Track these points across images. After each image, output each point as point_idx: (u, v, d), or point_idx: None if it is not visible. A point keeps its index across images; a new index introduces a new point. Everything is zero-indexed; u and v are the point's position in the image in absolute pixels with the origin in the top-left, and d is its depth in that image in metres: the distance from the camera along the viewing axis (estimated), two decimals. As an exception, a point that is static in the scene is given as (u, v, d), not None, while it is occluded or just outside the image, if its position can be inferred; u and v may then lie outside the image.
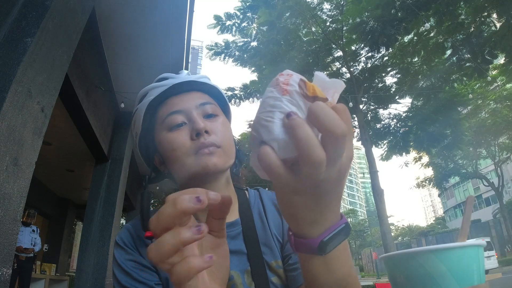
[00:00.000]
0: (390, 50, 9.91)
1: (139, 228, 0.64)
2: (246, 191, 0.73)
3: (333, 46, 10.54)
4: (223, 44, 10.89)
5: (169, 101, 0.64)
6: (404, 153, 11.78)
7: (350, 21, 9.40)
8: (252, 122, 0.37)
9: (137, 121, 0.67)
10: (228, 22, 10.60)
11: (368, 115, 11.79)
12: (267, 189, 0.77)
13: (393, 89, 11.21)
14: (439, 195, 38.00)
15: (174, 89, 0.64)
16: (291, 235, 0.36)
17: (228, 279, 0.56)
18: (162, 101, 0.64)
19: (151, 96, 0.64)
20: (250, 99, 11.69)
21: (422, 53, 9.81)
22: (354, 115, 11.15)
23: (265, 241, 0.64)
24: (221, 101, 0.70)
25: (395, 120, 11.81)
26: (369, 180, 10.40)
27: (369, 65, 11.05)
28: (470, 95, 10.48)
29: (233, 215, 0.66)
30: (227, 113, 0.71)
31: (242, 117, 15.51)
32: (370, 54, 10.48)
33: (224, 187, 0.65)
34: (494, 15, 7.94)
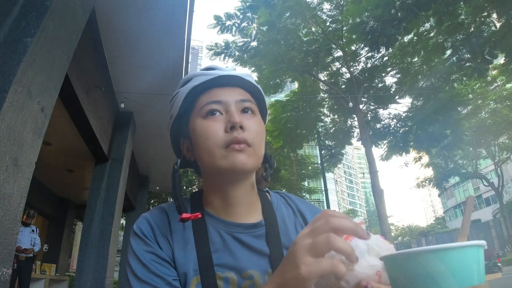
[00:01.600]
0: (390, 50, 9.91)
1: (159, 219, 0.63)
2: (268, 194, 0.73)
3: (333, 46, 10.54)
4: (223, 44, 10.89)
5: (212, 90, 0.64)
6: (404, 153, 11.78)
7: (350, 21, 9.40)
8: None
9: (176, 104, 0.66)
10: (228, 22, 10.60)
11: (368, 115, 11.80)
12: (283, 190, 0.78)
13: (393, 89, 11.21)
14: (439, 195, 37.98)
15: (219, 81, 0.64)
16: None
17: (248, 278, 0.59)
18: (205, 89, 0.64)
19: (195, 82, 0.64)
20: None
21: (422, 53, 9.81)
22: (354, 115, 11.16)
23: (287, 245, 0.63)
24: (260, 103, 0.69)
25: (395, 120, 11.81)
26: (369, 180, 10.40)
27: (369, 65, 11.05)
28: (470, 95, 10.49)
29: (257, 216, 0.66)
30: (264, 116, 0.71)
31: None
32: (370, 54, 10.48)
33: (249, 188, 0.65)
34: (494, 15, 7.94)
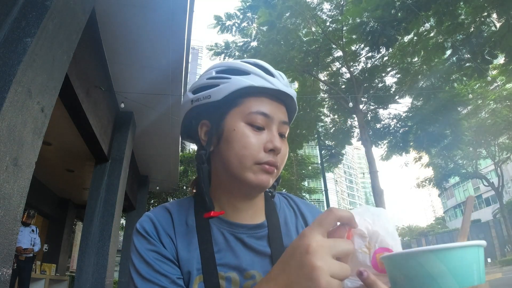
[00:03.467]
0: (390, 50, 9.91)
1: (162, 218, 0.63)
2: (271, 194, 0.73)
3: (333, 46, 10.54)
4: (223, 44, 10.88)
5: (265, 99, 0.62)
6: (404, 153, 11.77)
7: (350, 21, 9.40)
8: None
9: (221, 90, 0.61)
10: (228, 22, 10.59)
11: (368, 115, 11.79)
12: (284, 190, 0.79)
13: (393, 89, 11.21)
14: (439, 195, 37.98)
15: (274, 92, 0.62)
16: None
17: (250, 278, 0.60)
18: (258, 94, 0.62)
19: (253, 80, 0.61)
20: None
21: (422, 53, 9.80)
22: (354, 115, 11.15)
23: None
24: (290, 117, 0.69)
25: (395, 120, 11.80)
26: (369, 180, 10.40)
27: (369, 65, 11.04)
28: (470, 95, 10.48)
29: (260, 217, 0.67)
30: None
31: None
32: (370, 54, 10.47)
33: (256, 196, 0.67)
34: (494, 15, 7.94)
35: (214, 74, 0.64)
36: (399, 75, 10.96)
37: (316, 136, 12.44)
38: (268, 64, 0.65)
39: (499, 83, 11.28)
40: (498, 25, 7.91)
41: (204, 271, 0.58)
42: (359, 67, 11.20)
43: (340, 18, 9.80)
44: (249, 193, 0.64)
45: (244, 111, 0.60)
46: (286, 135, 0.65)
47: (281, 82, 0.63)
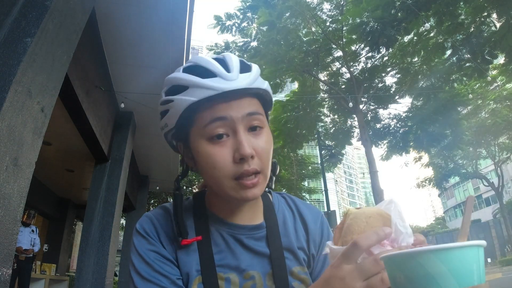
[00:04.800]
0: (390, 50, 9.91)
1: (162, 219, 0.63)
2: (269, 194, 0.73)
3: (333, 46, 10.54)
4: (223, 44, 10.88)
5: (215, 104, 0.55)
6: (404, 153, 11.78)
7: (350, 21, 9.40)
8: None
9: (171, 116, 0.58)
10: (228, 22, 10.60)
11: (368, 115, 11.79)
12: (284, 190, 0.77)
13: (393, 89, 11.21)
14: (439, 195, 38.00)
15: (224, 95, 0.55)
16: None
17: (249, 278, 0.60)
18: (207, 102, 0.55)
19: (193, 96, 0.54)
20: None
21: (422, 53, 9.81)
22: (354, 115, 11.15)
23: (288, 247, 0.65)
24: (268, 105, 0.63)
25: (395, 120, 11.81)
26: (369, 180, 10.40)
27: (369, 65, 11.05)
28: (470, 95, 10.49)
29: (258, 218, 0.66)
30: (268, 113, 0.65)
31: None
32: (370, 54, 10.48)
33: None
34: (494, 15, 7.94)
35: (163, 96, 0.60)
36: (399, 75, 10.97)
37: (316, 136, 12.44)
38: (210, 59, 0.57)
39: (499, 83, 11.28)
40: (498, 25, 7.91)
41: (203, 272, 0.58)
42: (359, 67, 11.21)
43: (340, 18, 9.81)
44: (242, 203, 0.63)
45: (200, 127, 0.55)
46: (264, 124, 0.59)
47: (224, 78, 0.54)
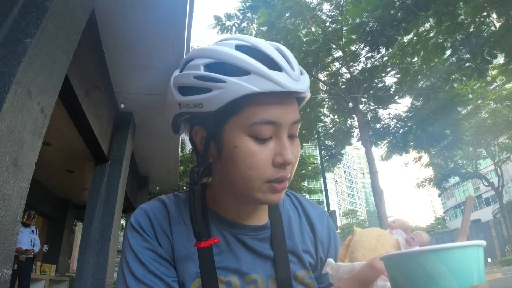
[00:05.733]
0: (390, 50, 9.92)
1: (158, 213, 0.58)
2: None
3: (333, 46, 10.55)
4: (223, 44, 10.88)
5: (271, 102, 0.50)
6: (404, 153, 11.78)
7: (350, 21, 9.41)
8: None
9: (215, 99, 0.49)
10: (228, 23, 10.60)
11: (368, 115, 11.80)
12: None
13: (393, 89, 11.22)
14: (439, 195, 38.00)
15: (283, 95, 0.50)
16: None
17: (252, 282, 0.57)
18: (263, 96, 0.49)
19: (255, 85, 0.47)
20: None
21: (422, 53, 9.81)
22: (354, 115, 11.15)
23: (292, 249, 0.61)
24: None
25: (394, 120, 11.81)
26: (369, 180, 10.40)
27: (368, 65, 11.05)
28: (470, 95, 10.49)
29: (263, 218, 0.62)
30: None
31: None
32: (369, 54, 10.48)
33: None
34: (494, 15, 7.95)
35: (202, 71, 0.50)
36: (399, 75, 10.97)
37: (316, 136, 12.44)
38: (272, 48, 0.51)
39: (499, 83, 11.28)
40: (497, 25, 7.91)
41: (202, 274, 0.54)
42: (359, 67, 11.21)
43: (340, 18, 9.81)
44: (257, 205, 0.60)
45: (246, 121, 0.50)
46: (297, 132, 0.56)
47: (290, 76, 0.49)
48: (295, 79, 0.49)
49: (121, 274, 0.54)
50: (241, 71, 0.48)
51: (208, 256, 0.56)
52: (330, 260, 0.45)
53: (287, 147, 0.51)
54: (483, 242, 0.34)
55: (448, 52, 9.59)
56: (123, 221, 10.15)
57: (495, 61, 9.18)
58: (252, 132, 0.50)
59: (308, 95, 0.54)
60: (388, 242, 0.44)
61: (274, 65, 0.49)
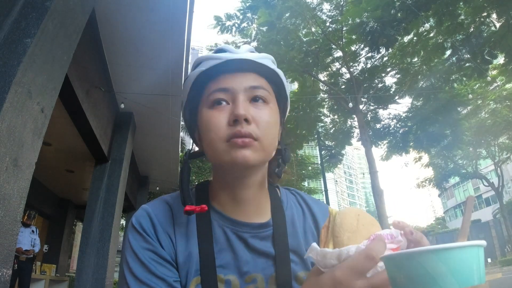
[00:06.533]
0: (390, 50, 9.92)
1: (160, 214, 0.58)
2: (277, 189, 0.67)
3: (333, 46, 10.55)
4: (223, 44, 10.89)
5: (220, 77, 0.57)
6: (404, 153, 11.79)
7: (350, 21, 9.41)
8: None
9: (185, 90, 0.62)
10: (228, 23, 10.60)
11: (368, 115, 11.80)
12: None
13: (393, 90, 11.22)
14: (439, 195, 37.99)
15: (228, 66, 0.57)
16: None
17: (251, 282, 0.56)
18: (213, 75, 0.58)
19: (203, 67, 0.58)
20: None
21: (422, 53, 9.82)
22: (354, 116, 11.15)
23: (295, 248, 0.60)
24: (279, 89, 0.62)
25: (394, 121, 11.82)
26: (369, 180, 10.40)
27: (368, 65, 11.05)
28: (470, 95, 10.49)
29: (265, 215, 0.61)
30: (283, 104, 0.64)
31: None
32: (369, 54, 10.48)
33: (258, 185, 0.61)
34: (494, 15, 7.95)
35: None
36: (399, 75, 10.97)
37: (316, 136, 12.44)
38: (227, 46, 0.61)
39: (499, 83, 11.28)
40: (497, 25, 7.91)
41: (202, 272, 0.54)
42: (359, 67, 11.21)
43: (340, 18, 9.81)
44: (240, 176, 0.58)
45: (205, 97, 0.58)
46: (270, 101, 0.58)
47: (234, 53, 0.58)
48: (235, 52, 0.59)
49: (122, 275, 0.54)
50: (196, 64, 0.60)
51: (209, 253, 0.56)
52: (314, 244, 0.44)
53: (239, 105, 0.54)
54: (483, 242, 0.34)
55: (448, 52, 9.59)
56: (123, 221, 10.15)
57: (495, 61, 9.19)
58: (210, 103, 0.57)
59: (270, 66, 0.60)
60: (367, 220, 0.45)
61: (220, 51, 0.60)
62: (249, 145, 0.53)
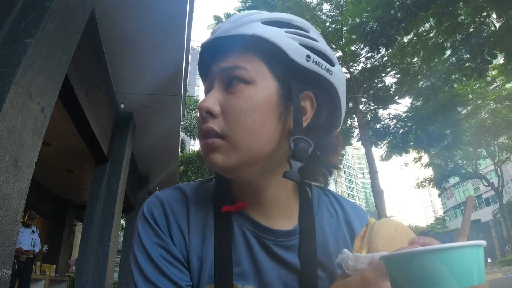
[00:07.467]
0: (390, 50, 9.93)
1: (175, 204, 0.51)
2: (308, 189, 0.57)
3: (333, 46, 10.56)
4: (222, 44, 10.90)
5: (204, 64, 0.51)
6: (404, 153, 11.80)
7: (350, 21, 9.42)
8: None
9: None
10: (228, 23, 10.63)
11: (368, 115, 11.81)
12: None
13: (393, 90, 11.24)
14: (439, 195, 38.01)
15: (207, 50, 0.49)
16: None
17: None
18: (204, 62, 0.52)
19: (199, 57, 0.52)
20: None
21: (422, 53, 9.83)
22: (354, 116, 11.16)
23: (324, 262, 0.51)
24: (278, 55, 0.46)
25: (394, 121, 11.84)
26: (369, 181, 10.41)
27: (368, 65, 11.07)
28: (470, 95, 10.50)
29: (292, 220, 0.52)
30: (295, 72, 0.47)
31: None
32: (369, 54, 10.50)
33: (281, 184, 0.51)
34: (494, 15, 7.96)
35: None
36: (399, 75, 10.99)
37: (316, 136, 12.45)
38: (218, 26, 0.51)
39: (498, 83, 11.29)
40: (497, 25, 7.92)
41: (216, 280, 0.47)
42: (359, 67, 11.22)
43: (339, 18, 9.82)
44: (282, 202, 0.52)
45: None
46: (256, 76, 0.46)
47: (214, 32, 0.50)
48: (214, 32, 0.50)
49: (129, 271, 0.48)
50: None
51: (226, 258, 0.48)
52: (346, 250, 0.41)
53: (207, 95, 0.47)
54: (483, 242, 0.34)
55: (448, 52, 9.60)
56: (123, 221, 10.15)
57: (495, 61, 9.19)
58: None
59: (244, 33, 0.46)
60: (405, 232, 0.43)
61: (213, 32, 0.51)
62: (214, 146, 0.45)
